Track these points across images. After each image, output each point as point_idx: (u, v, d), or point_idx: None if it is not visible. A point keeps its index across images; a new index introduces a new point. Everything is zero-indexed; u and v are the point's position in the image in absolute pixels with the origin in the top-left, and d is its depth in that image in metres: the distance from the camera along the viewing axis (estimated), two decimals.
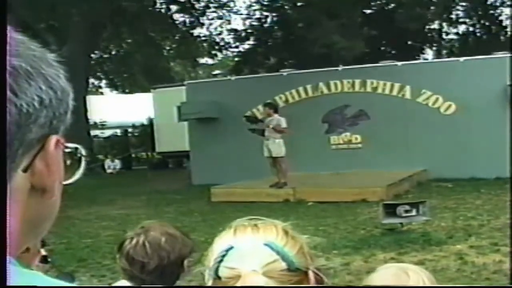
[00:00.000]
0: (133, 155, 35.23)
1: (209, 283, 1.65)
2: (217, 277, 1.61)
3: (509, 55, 18.20)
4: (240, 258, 1.58)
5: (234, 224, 1.69)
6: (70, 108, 1.00)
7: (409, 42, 33.97)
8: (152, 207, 16.27)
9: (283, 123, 15.93)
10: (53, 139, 0.95)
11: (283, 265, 1.58)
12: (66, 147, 1.00)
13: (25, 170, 0.92)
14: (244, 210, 13.39)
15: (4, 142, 0.87)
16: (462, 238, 10.15)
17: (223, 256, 1.60)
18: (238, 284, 1.55)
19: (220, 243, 1.65)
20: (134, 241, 2.73)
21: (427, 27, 34.51)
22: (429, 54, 37.28)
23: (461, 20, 35.56)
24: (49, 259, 4.03)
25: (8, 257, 0.87)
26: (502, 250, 8.99)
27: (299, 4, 26.74)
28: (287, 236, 1.65)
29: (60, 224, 10.48)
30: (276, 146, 15.86)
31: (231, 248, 1.60)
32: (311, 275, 1.66)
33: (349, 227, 11.84)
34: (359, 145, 19.67)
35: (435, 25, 35.61)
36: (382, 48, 33.22)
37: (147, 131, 32.73)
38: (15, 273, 0.87)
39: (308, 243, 1.72)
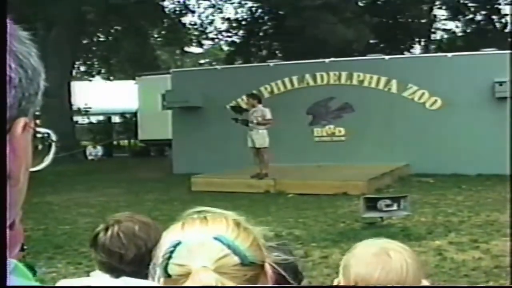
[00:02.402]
0: (115, 143, 35.14)
1: (161, 282, 1.54)
2: (167, 275, 1.50)
3: (496, 52, 18.26)
4: (189, 254, 1.47)
5: (183, 216, 1.59)
6: (41, 89, 0.92)
7: (399, 37, 33.98)
8: (132, 195, 16.16)
9: (268, 114, 15.85)
10: (21, 122, 0.87)
11: (236, 259, 1.47)
12: (37, 132, 0.93)
13: None
14: (224, 200, 13.34)
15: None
16: (442, 234, 10.11)
17: (171, 252, 1.49)
18: (188, 282, 1.44)
19: (168, 238, 1.55)
20: (108, 232, 2.68)
21: (417, 21, 34.59)
22: (417, 49, 37.33)
23: (451, 16, 35.59)
24: (25, 247, 3.93)
25: None
26: (482, 247, 8.97)
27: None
28: (238, 228, 1.54)
29: (38, 210, 10.43)
30: (260, 137, 15.79)
31: (179, 243, 1.49)
32: (267, 268, 1.57)
33: (329, 220, 11.78)
34: (342, 138, 19.58)
35: (424, 20, 35.68)
36: (371, 41, 33.23)
37: (131, 118, 32.60)
38: None
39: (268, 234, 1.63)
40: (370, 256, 2.12)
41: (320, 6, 23.43)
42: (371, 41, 32.50)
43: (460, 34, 35.86)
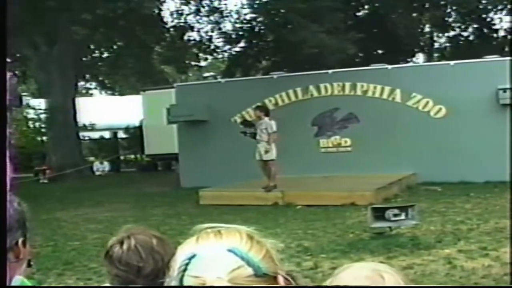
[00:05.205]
0: (122, 157, 35.17)
1: None
2: (182, 286, 1.54)
3: (499, 59, 18.25)
4: (204, 266, 1.51)
5: (196, 230, 1.62)
6: None
7: (402, 46, 33.95)
8: (140, 210, 16.17)
9: (273, 126, 15.85)
10: None
11: (249, 271, 1.51)
12: None
13: None
14: (232, 213, 13.36)
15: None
16: (451, 242, 10.09)
17: (187, 264, 1.53)
18: None
19: (183, 251, 1.58)
20: (125, 245, 2.68)
21: (419, 31, 34.57)
22: (420, 58, 37.27)
23: (452, 24, 35.53)
24: (31, 263, 3.95)
25: None
26: (491, 255, 8.95)
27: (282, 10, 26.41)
28: (251, 241, 1.58)
29: (47, 226, 10.43)
30: (266, 150, 15.78)
31: (194, 256, 1.53)
32: (280, 279, 1.60)
33: (337, 230, 11.76)
34: (349, 149, 19.57)
35: (427, 29, 35.67)
36: (374, 51, 33.19)
37: (136, 133, 32.65)
38: None
39: (277, 247, 1.66)
40: (363, 278, 2.11)
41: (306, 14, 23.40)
42: (374, 52, 32.54)
43: (461, 42, 35.75)
